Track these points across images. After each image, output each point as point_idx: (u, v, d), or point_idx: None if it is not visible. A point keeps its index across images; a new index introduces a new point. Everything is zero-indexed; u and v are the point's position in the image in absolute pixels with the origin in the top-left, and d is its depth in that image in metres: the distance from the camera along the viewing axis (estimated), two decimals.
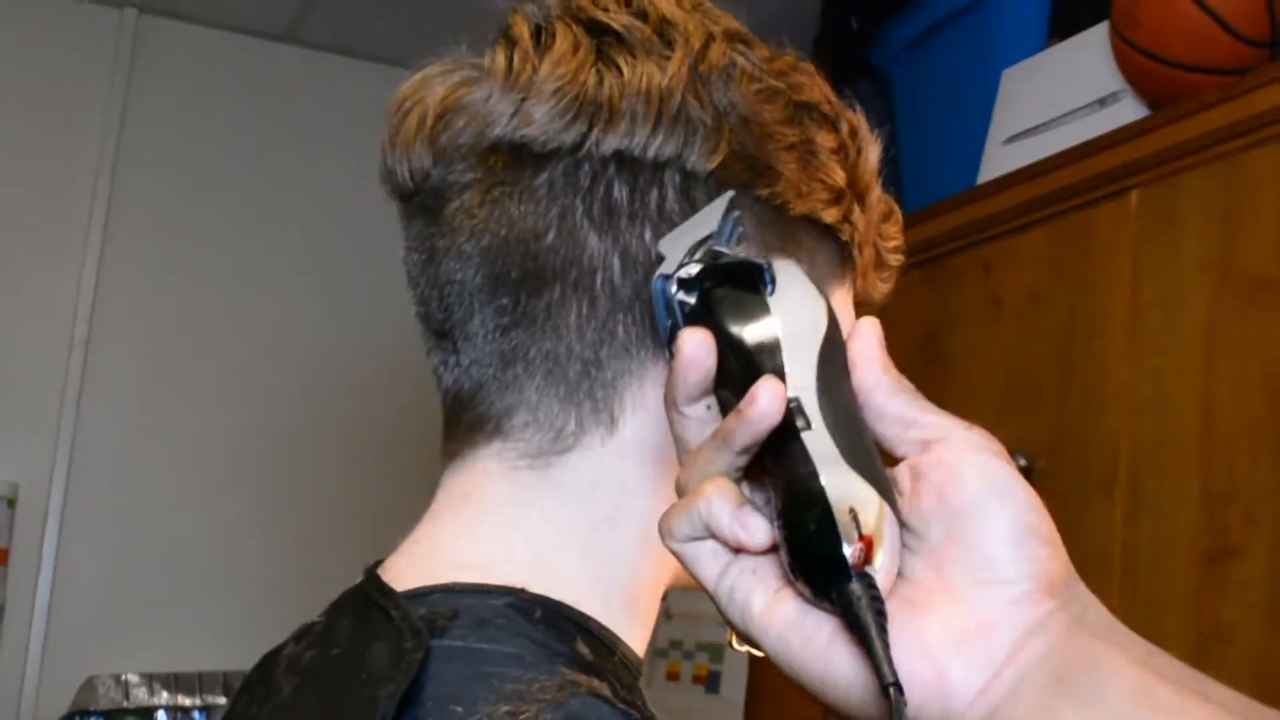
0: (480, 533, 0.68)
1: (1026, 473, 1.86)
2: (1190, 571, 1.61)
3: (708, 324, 0.60)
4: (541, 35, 0.70)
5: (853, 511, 0.54)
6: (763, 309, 0.60)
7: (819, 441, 0.56)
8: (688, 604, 2.55)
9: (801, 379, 0.57)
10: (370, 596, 0.66)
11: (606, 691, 0.61)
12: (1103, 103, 1.96)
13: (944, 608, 0.54)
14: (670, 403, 0.60)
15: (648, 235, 0.67)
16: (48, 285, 3.01)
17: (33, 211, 3.01)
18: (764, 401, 0.55)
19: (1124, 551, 1.70)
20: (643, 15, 0.70)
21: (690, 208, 0.67)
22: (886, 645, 0.52)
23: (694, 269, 0.62)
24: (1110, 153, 1.83)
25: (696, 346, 0.58)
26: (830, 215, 0.70)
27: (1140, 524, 1.70)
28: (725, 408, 0.59)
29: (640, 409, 0.68)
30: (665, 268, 0.63)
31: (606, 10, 0.70)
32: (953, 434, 0.57)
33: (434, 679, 0.60)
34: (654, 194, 0.67)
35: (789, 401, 0.56)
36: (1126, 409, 1.75)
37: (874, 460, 0.57)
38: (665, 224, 0.67)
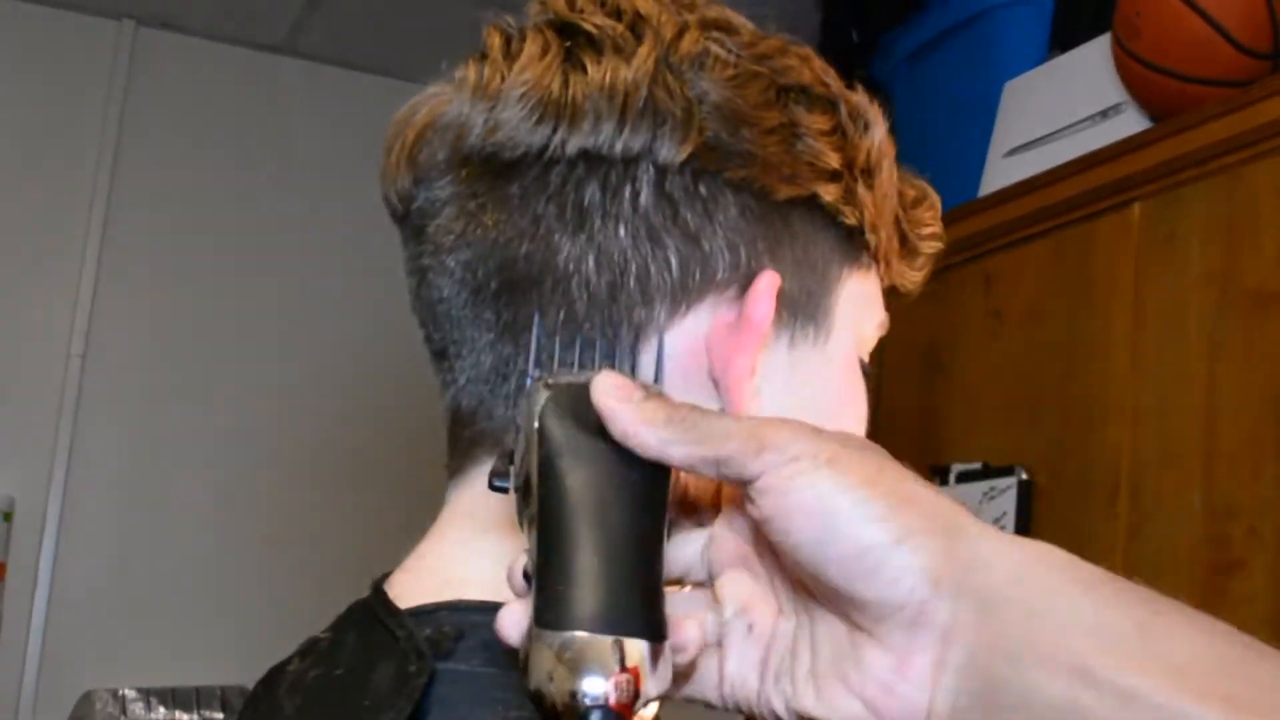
0: (484, 549, 0.67)
1: (1028, 486, 1.86)
2: (1193, 585, 1.60)
3: None
4: (511, 44, 0.69)
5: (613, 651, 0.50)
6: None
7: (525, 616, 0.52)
8: None
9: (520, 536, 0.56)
10: (376, 613, 0.65)
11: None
12: (1104, 115, 1.95)
13: (866, 652, 0.52)
14: None
15: (622, 234, 0.65)
16: (45, 298, 3.00)
17: (30, 224, 3.01)
18: (505, 625, 0.54)
19: (1126, 565, 1.69)
20: (617, 14, 0.68)
21: (667, 203, 0.66)
22: None
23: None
24: (1112, 165, 1.83)
25: None
26: (826, 194, 0.68)
27: (1142, 537, 1.70)
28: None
29: None
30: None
31: (581, 13, 0.69)
32: (757, 464, 0.52)
33: (438, 704, 0.59)
34: (627, 191, 0.65)
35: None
36: (1128, 422, 1.74)
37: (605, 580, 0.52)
38: (641, 221, 0.65)
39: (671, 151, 0.65)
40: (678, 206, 0.66)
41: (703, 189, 0.66)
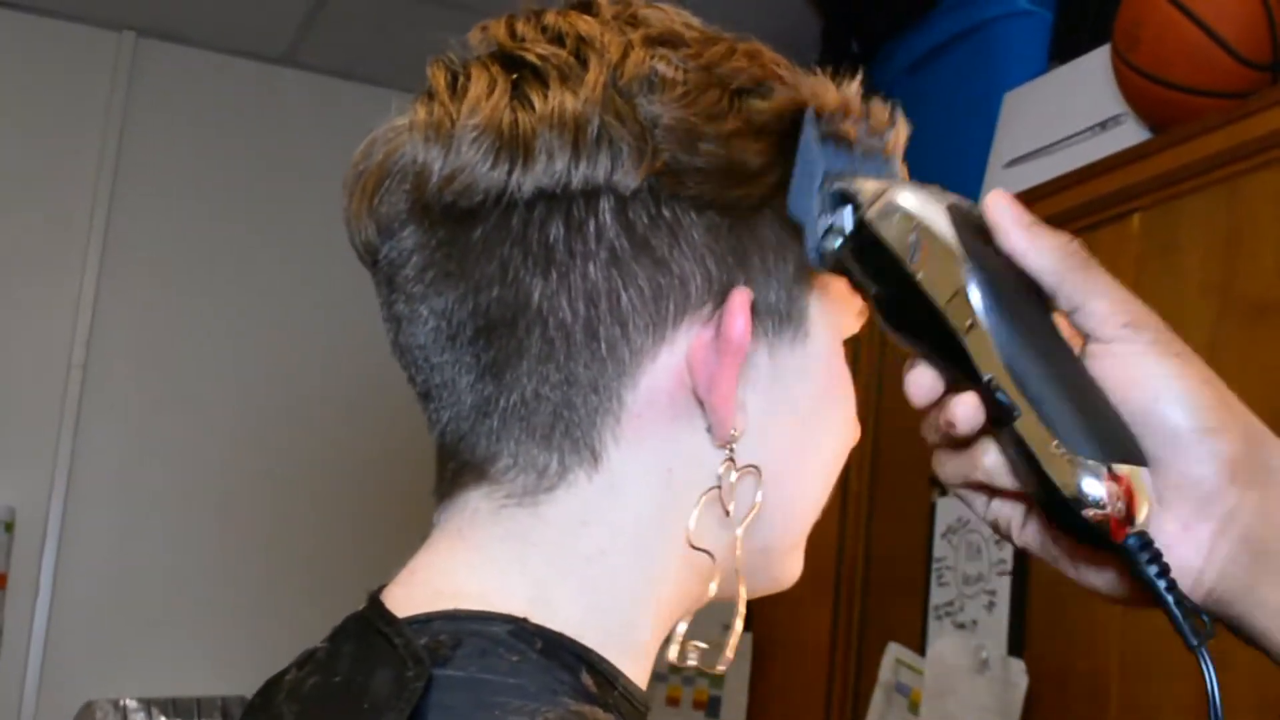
0: (476, 565, 0.68)
1: None
2: None
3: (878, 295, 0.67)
4: (458, 81, 0.69)
5: (1109, 477, 0.59)
6: (914, 290, 0.65)
7: (1031, 428, 0.61)
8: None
9: (986, 354, 0.62)
10: (373, 623, 0.66)
11: None
12: (1104, 126, 1.96)
13: (1155, 515, 0.63)
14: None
15: (591, 269, 0.65)
16: (46, 308, 3.01)
17: (31, 234, 3.01)
18: (960, 418, 0.64)
19: None
20: (559, 40, 0.68)
21: (632, 232, 0.65)
22: (1180, 600, 0.61)
23: (835, 247, 0.68)
24: (1111, 176, 1.83)
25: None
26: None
27: None
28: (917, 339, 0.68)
29: (622, 442, 0.67)
30: (810, 242, 0.68)
31: (523, 42, 0.69)
32: (1120, 333, 0.64)
33: (436, 709, 0.60)
34: (591, 225, 0.65)
35: (988, 388, 0.62)
36: None
37: (1095, 405, 0.62)
38: (609, 254, 0.65)
39: (630, 179, 0.65)
40: (644, 234, 0.66)
41: (666, 212, 0.66)
